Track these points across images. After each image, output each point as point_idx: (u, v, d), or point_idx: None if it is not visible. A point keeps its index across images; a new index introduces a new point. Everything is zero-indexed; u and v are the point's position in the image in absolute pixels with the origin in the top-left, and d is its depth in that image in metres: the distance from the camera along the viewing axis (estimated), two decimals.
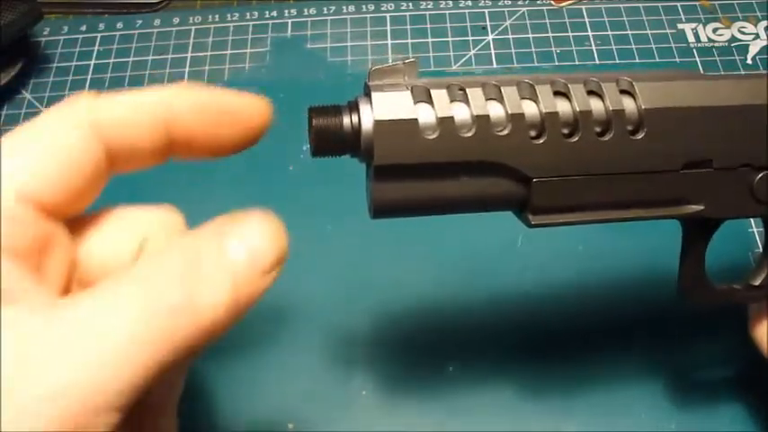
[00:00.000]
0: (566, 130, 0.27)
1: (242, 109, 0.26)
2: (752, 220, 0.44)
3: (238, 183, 0.47)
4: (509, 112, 0.27)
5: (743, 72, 0.52)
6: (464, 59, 0.53)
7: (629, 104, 0.28)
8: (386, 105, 0.26)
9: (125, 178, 0.26)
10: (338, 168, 0.47)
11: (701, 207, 0.29)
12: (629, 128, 0.28)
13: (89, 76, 0.54)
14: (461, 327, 0.41)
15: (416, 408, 0.39)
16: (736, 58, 0.53)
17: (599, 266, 0.43)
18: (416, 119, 0.26)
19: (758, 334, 0.34)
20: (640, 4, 0.56)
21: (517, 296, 0.42)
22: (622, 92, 0.28)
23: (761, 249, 0.35)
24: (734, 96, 0.29)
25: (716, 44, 0.53)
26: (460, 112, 0.27)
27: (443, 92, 0.27)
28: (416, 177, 0.27)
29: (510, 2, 0.56)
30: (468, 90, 0.27)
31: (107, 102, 0.25)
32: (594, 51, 0.53)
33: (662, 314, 0.41)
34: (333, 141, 0.27)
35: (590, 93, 0.27)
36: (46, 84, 0.54)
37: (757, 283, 0.33)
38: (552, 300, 0.42)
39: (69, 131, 0.24)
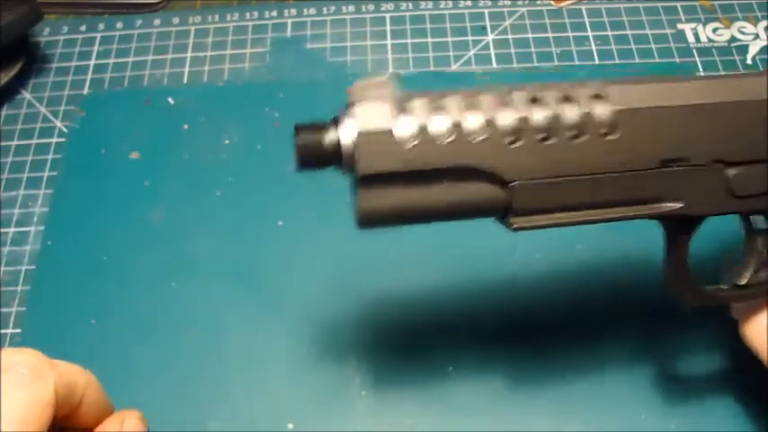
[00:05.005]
0: (540, 135, 0.28)
1: None
2: None
3: (240, 182, 0.47)
4: (485, 119, 0.28)
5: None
6: (464, 59, 0.53)
7: (600, 107, 0.28)
8: (366, 117, 0.27)
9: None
10: (335, 171, 0.47)
11: (680, 204, 0.30)
12: (603, 130, 0.28)
13: (89, 76, 0.54)
14: (461, 327, 0.41)
15: (416, 408, 0.39)
16: (736, 58, 0.53)
17: (599, 266, 0.43)
18: (396, 129, 0.27)
19: (748, 332, 0.33)
20: (640, 4, 0.56)
21: (514, 297, 0.42)
22: (595, 96, 0.29)
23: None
24: (706, 94, 0.29)
25: (716, 44, 0.53)
26: (438, 122, 0.28)
27: (422, 102, 0.28)
28: (400, 185, 0.28)
29: (510, 2, 0.56)
30: (445, 100, 0.28)
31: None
32: (594, 51, 0.53)
33: (657, 310, 0.41)
34: (315, 156, 0.28)
35: (564, 98, 0.28)
36: (46, 84, 0.54)
37: (743, 282, 0.33)
38: (550, 301, 0.42)
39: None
